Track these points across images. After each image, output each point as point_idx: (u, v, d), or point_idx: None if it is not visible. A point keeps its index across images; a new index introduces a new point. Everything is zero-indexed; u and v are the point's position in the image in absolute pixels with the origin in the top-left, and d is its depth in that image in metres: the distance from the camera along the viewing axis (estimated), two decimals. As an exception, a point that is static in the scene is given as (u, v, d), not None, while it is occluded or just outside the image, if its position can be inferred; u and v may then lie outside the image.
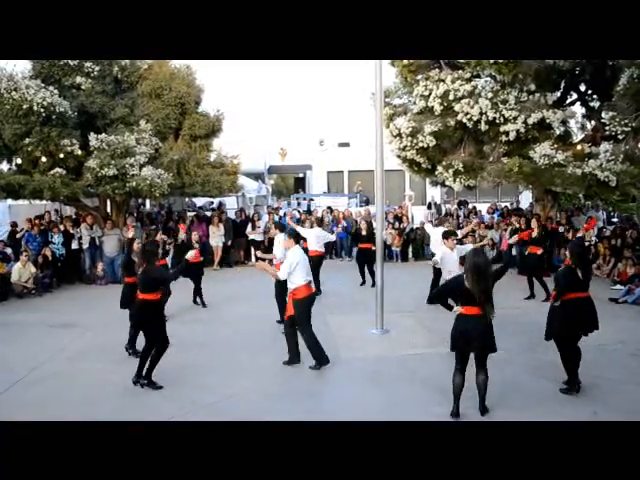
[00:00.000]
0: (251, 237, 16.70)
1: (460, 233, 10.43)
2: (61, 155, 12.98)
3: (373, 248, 12.35)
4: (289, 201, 24.42)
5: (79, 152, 13.13)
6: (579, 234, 13.38)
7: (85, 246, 13.99)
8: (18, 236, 13.82)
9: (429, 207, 22.16)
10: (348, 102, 54.45)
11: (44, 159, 12.92)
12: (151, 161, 13.63)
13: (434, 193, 23.68)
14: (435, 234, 10.45)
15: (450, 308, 5.74)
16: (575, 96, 14.04)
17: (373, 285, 12.59)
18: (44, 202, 14.72)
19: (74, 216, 15.55)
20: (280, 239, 8.95)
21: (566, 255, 6.78)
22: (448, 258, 8.70)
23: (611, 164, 11.10)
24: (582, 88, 13.80)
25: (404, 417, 5.61)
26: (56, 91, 12.91)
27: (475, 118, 12.36)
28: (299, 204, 22.74)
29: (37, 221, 14.34)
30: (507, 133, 12.33)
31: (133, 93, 14.88)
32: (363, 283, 12.71)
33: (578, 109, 14.28)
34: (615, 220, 19.54)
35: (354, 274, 12.92)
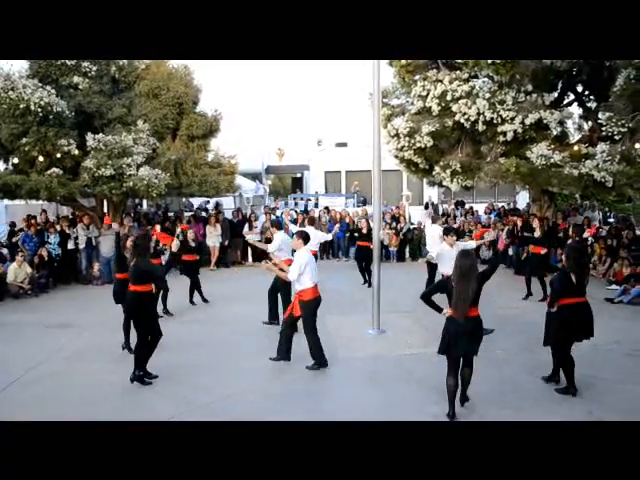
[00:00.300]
0: (248, 237, 16.68)
1: (475, 244, 10.31)
2: (58, 155, 12.97)
3: (372, 246, 12.39)
4: (286, 201, 24.43)
5: (76, 152, 13.11)
6: (587, 234, 13.39)
7: (81, 246, 13.96)
8: (15, 239, 13.75)
9: (426, 207, 22.19)
10: (346, 102, 54.56)
11: (41, 159, 12.91)
12: (148, 161, 13.63)
13: (431, 193, 23.71)
14: (431, 232, 10.43)
15: (440, 310, 5.75)
16: (572, 97, 14.07)
17: (369, 285, 12.62)
18: (40, 202, 14.68)
19: (70, 216, 15.52)
20: (278, 237, 8.98)
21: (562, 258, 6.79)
22: (446, 255, 8.60)
23: (608, 165, 11.12)
24: (579, 89, 13.83)
25: (401, 417, 5.62)
26: (53, 91, 12.89)
27: (473, 118, 12.38)
28: (296, 204, 22.74)
29: (33, 221, 14.32)
30: (504, 133, 12.35)
31: (130, 93, 14.87)
32: (365, 282, 12.67)
33: (575, 110, 14.33)
34: (611, 220, 19.60)
35: (351, 274, 12.93)
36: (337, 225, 15.68)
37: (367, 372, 7.13)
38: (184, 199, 20.21)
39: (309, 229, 11.76)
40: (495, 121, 12.28)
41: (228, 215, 17.75)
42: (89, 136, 12.96)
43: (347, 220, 17.54)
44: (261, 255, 16.30)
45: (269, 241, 13.33)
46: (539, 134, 12.41)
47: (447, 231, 9.07)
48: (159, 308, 8.41)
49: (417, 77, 13.61)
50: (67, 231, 13.99)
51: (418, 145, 13.49)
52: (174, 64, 15.59)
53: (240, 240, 16.81)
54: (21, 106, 12.26)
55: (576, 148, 12.35)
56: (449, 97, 12.60)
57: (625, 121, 10.90)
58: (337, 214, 18.24)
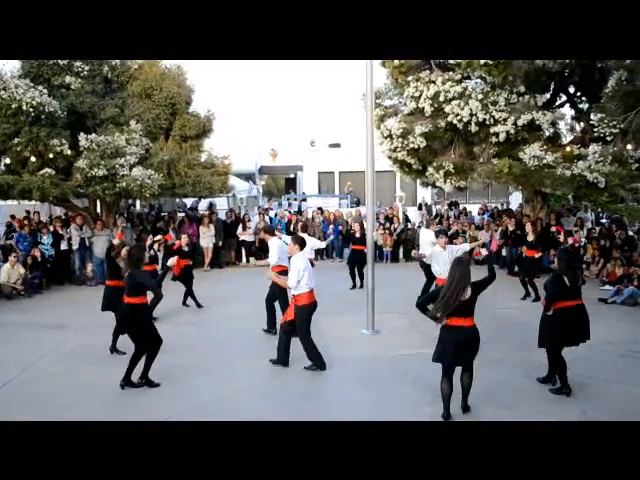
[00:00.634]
0: (242, 238, 16.67)
1: (469, 246, 10.40)
2: (50, 155, 12.89)
3: (366, 250, 12.38)
4: (280, 202, 24.40)
5: (68, 152, 13.04)
6: (570, 241, 13.51)
7: (75, 247, 13.90)
8: (8, 242, 13.66)
9: (420, 208, 22.23)
10: (339, 103, 54.68)
11: (33, 159, 12.82)
12: (141, 161, 13.57)
13: (425, 194, 23.74)
14: (425, 236, 10.44)
15: (436, 319, 5.69)
16: (564, 98, 14.13)
17: (353, 287, 12.61)
18: (33, 202, 14.61)
19: (63, 217, 15.44)
20: (273, 243, 8.89)
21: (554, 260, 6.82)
22: (437, 257, 8.75)
23: (600, 165, 11.17)
24: (571, 90, 13.89)
25: (395, 417, 5.62)
26: (45, 91, 12.82)
27: (465, 119, 12.40)
28: (290, 205, 22.73)
29: (26, 221, 14.25)
30: (497, 134, 12.38)
31: (123, 93, 14.81)
32: (354, 287, 12.70)
33: (567, 111, 14.38)
34: (604, 221, 19.68)
35: (346, 275, 12.91)
36: (331, 227, 15.72)
37: (361, 372, 7.13)
38: (177, 199, 20.16)
39: (304, 236, 11.75)
40: (488, 122, 12.32)
41: (222, 216, 17.72)
42: (82, 136, 12.90)
43: (340, 224, 17.52)
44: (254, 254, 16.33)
45: (262, 243, 13.32)
46: (532, 135, 12.45)
47: (438, 233, 9.14)
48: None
49: (410, 78, 13.61)
50: (60, 232, 13.92)
51: (411, 146, 13.50)
52: (167, 64, 15.53)
53: (234, 241, 16.80)
54: (13, 106, 12.19)
55: (568, 149, 12.41)
56: (442, 98, 12.62)
57: (617, 122, 10.94)
58: (331, 215, 18.23)
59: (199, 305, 10.90)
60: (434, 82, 12.91)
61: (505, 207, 19.93)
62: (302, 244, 7.31)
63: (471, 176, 13.32)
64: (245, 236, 16.57)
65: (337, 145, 28.32)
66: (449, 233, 11.61)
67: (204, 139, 16.10)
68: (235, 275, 15.14)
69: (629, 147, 11.13)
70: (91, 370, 7.30)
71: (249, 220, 16.90)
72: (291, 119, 58.63)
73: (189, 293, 10.87)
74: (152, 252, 9.83)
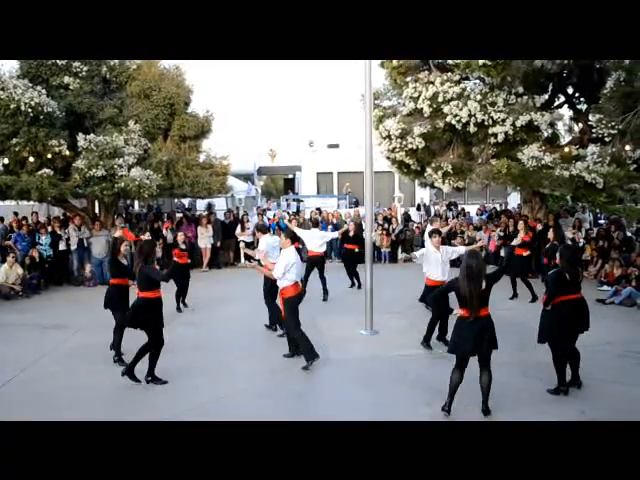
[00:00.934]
0: (240, 239, 16.66)
1: (464, 249, 10.37)
2: (49, 155, 12.90)
3: (357, 250, 12.42)
4: (279, 202, 24.41)
5: (67, 152, 13.05)
6: (570, 237, 13.50)
7: (73, 247, 13.89)
8: (6, 243, 13.64)
9: (418, 208, 22.25)
10: (337, 104, 54.74)
11: (32, 159, 12.82)
12: (140, 162, 13.58)
13: (423, 195, 23.75)
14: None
15: (450, 311, 5.81)
16: (563, 99, 14.15)
17: (352, 286, 12.59)
18: (31, 203, 14.60)
19: (62, 217, 15.43)
20: (264, 241, 8.96)
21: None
22: (430, 256, 8.41)
23: (598, 166, 11.18)
24: (569, 91, 13.90)
25: (393, 417, 5.62)
26: (44, 91, 12.83)
27: (464, 120, 12.41)
28: (288, 205, 22.73)
29: (24, 222, 14.24)
30: (495, 135, 12.39)
31: (122, 93, 14.81)
32: (352, 285, 12.72)
33: (566, 111, 14.42)
34: (602, 222, 19.70)
35: (343, 275, 12.92)
36: (330, 228, 15.75)
37: (360, 373, 7.13)
38: (176, 200, 20.15)
39: (314, 230, 11.82)
40: (486, 123, 12.32)
41: (220, 216, 17.72)
42: (80, 136, 12.90)
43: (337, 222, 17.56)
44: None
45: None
46: (530, 136, 12.46)
47: (432, 232, 8.85)
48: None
49: (408, 79, 13.62)
50: (58, 232, 13.92)
51: (410, 146, 13.50)
52: (165, 64, 15.54)
53: (232, 241, 16.79)
54: (11, 106, 12.19)
55: (567, 150, 12.42)
56: (440, 99, 12.63)
57: (615, 123, 10.96)
58: (329, 215, 18.24)
59: (185, 305, 10.75)
60: (433, 83, 12.91)
61: (504, 207, 19.95)
62: (293, 238, 7.57)
63: (469, 177, 13.32)
64: (244, 237, 16.56)
65: (336, 146, 28.35)
66: (444, 231, 11.52)
67: (203, 139, 16.10)
68: (234, 275, 15.13)
69: (627, 148, 11.15)
70: (91, 370, 7.30)
71: (248, 221, 16.89)
72: (290, 120, 58.74)
73: (181, 292, 10.69)
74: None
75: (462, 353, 5.67)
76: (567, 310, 6.27)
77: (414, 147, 13.46)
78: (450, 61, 12.69)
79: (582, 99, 13.85)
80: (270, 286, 8.62)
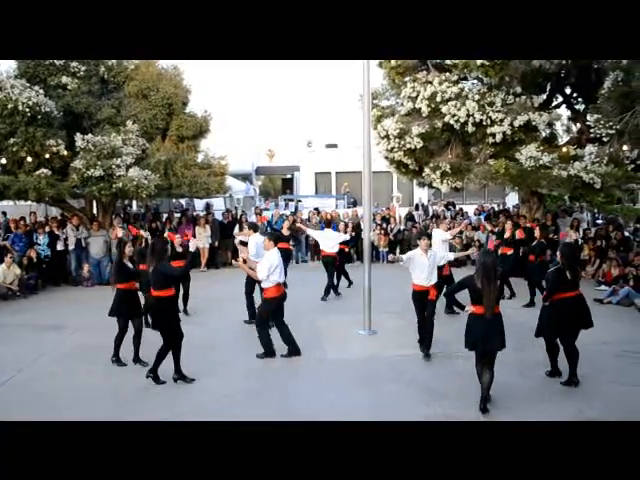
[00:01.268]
0: (238, 239, 16.63)
1: (450, 234, 10.32)
2: (46, 155, 12.87)
3: (346, 249, 12.46)
4: (277, 202, 24.41)
5: (65, 152, 13.02)
6: (567, 239, 13.55)
7: (71, 247, 13.86)
8: (2, 243, 13.63)
9: (416, 208, 22.24)
10: (336, 104, 54.63)
11: (29, 159, 12.79)
12: (138, 162, 13.55)
13: (422, 194, 23.77)
14: (436, 235, 10.25)
15: (462, 307, 6.08)
16: (561, 99, 14.17)
17: (349, 286, 12.55)
18: (29, 203, 14.58)
19: (59, 217, 15.41)
20: (254, 240, 9.04)
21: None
22: (416, 260, 7.85)
23: (596, 166, 11.20)
24: (567, 91, 13.92)
25: (391, 417, 5.63)
26: (41, 91, 12.80)
27: (462, 120, 12.43)
28: (287, 205, 22.73)
29: (22, 222, 14.22)
30: (494, 135, 12.41)
31: (120, 93, 14.79)
32: (349, 284, 12.70)
33: (564, 112, 14.44)
34: (600, 222, 19.73)
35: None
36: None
37: (358, 373, 7.14)
38: (174, 200, 20.13)
39: (327, 231, 11.87)
40: (484, 123, 12.34)
41: (218, 216, 17.70)
42: (78, 136, 12.86)
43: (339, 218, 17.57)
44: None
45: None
46: (528, 136, 12.48)
47: (420, 235, 8.42)
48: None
49: (407, 79, 13.62)
50: (56, 232, 13.90)
51: (408, 146, 13.52)
52: (163, 64, 15.50)
53: (230, 241, 16.76)
54: (9, 106, 12.16)
55: (565, 150, 12.43)
56: (439, 98, 12.64)
57: (613, 123, 10.97)
58: (328, 215, 18.24)
59: (186, 312, 10.56)
60: (431, 83, 12.92)
61: (502, 207, 19.96)
62: (276, 241, 7.81)
63: (468, 177, 13.33)
64: (242, 236, 16.52)
65: (334, 146, 28.34)
66: (454, 233, 11.39)
67: (201, 139, 16.07)
68: (232, 275, 15.06)
69: (625, 148, 11.16)
70: (90, 370, 7.30)
71: (246, 220, 16.86)
72: (288, 119, 58.65)
73: (184, 297, 10.69)
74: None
75: (475, 349, 5.86)
76: (566, 307, 6.42)
77: (412, 147, 13.47)
78: (448, 61, 12.71)
79: (580, 99, 13.88)
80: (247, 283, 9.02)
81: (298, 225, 13.76)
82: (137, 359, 7.46)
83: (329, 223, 11.85)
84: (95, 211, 15.23)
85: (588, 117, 11.88)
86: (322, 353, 7.83)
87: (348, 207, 21.75)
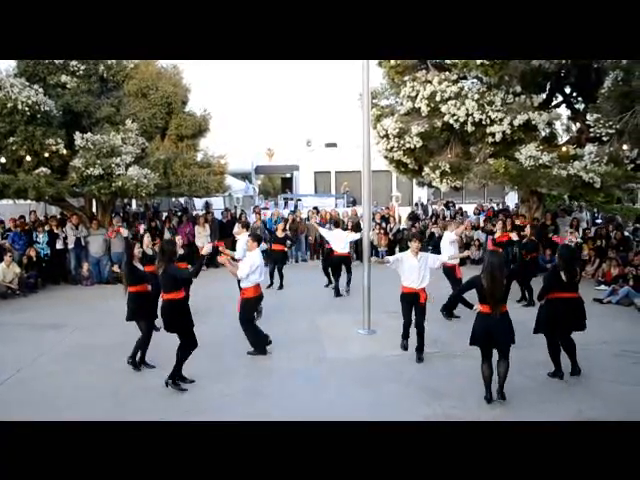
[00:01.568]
0: (238, 238, 16.60)
1: (455, 233, 10.24)
2: (46, 154, 12.85)
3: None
4: (276, 201, 24.41)
5: (64, 151, 13.01)
6: (566, 240, 13.54)
7: (70, 246, 13.86)
8: (1, 242, 13.62)
9: (416, 208, 22.25)
10: (335, 103, 54.64)
11: (29, 158, 12.78)
12: (137, 161, 13.54)
13: (421, 194, 23.78)
14: (445, 237, 10.21)
15: (471, 306, 6.23)
16: (560, 98, 14.15)
17: (327, 285, 12.52)
18: (28, 202, 14.57)
19: (59, 216, 15.40)
20: (242, 238, 9.05)
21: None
22: (405, 262, 7.64)
23: (596, 166, 11.20)
24: (567, 90, 13.91)
25: (391, 417, 5.64)
26: (41, 90, 12.78)
27: (462, 119, 12.42)
28: (286, 204, 22.73)
29: (21, 221, 14.21)
30: (493, 134, 12.40)
31: (119, 92, 14.79)
32: (329, 284, 12.54)
33: (563, 111, 14.41)
34: (599, 221, 19.74)
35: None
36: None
37: (358, 372, 7.14)
38: (173, 199, 20.12)
39: (337, 231, 11.87)
40: (484, 122, 12.33)
41: (218, 215, 17.70)
42: (77, 135, 12.85)
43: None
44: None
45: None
46: (528, 135, 12.47)
47: (412, 236, 8.16)
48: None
49: (406, 78, 13.61)
50: (56, 231, 13.89)
51: (407, 146, 13.51)
52: (163, 64, 15.49)
53: (230, 240, 16.76)
54: (8, 105, 12.15)
55: (564, 149, 12.42)
56: (438, 98, 12.63)
57: (613, 122, 10.96)
58: (327, 214, 18.23)
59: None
60: (430, 82, 12.91)
61: (502, 207, 19.97)
62: (259, 241, 8.10)
63: (467, 176, 13.33)
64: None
65: (333, 145, 28.34)
66: (460, 231, 11.24)
67: (200, 138, 16.07)
68: (231, 274, 15.08)
69: (625, 147, 11.16)
70: (90, 370, 7.30)
71: (245, 219, 16.87)
72: (287, 119, 58.63)
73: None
74: (151, 252, 9.73)
75: (480, 346, 6.01)
76: (562, 306, 6.52)
77: (412, 146, 13.46)
78: (448, 60, 12.69)
79: (580, 98, 13.86)
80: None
81: (312, 224, 13.76)
82: (142, 361, 7.37)
83: (337, 223, 11.88)
84: (94, 210, 15.22)
85: (588, 116, 11.87)
86: (322, 352, 7.83)
87: (347, 206, 21.73)
